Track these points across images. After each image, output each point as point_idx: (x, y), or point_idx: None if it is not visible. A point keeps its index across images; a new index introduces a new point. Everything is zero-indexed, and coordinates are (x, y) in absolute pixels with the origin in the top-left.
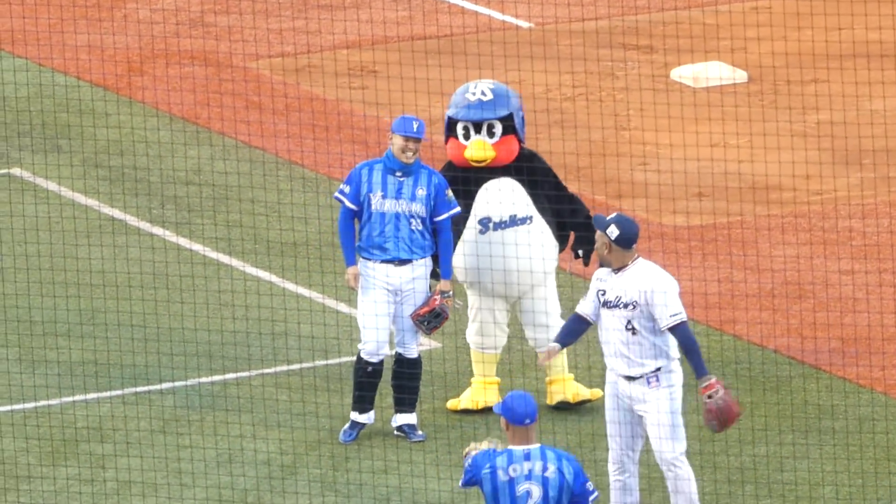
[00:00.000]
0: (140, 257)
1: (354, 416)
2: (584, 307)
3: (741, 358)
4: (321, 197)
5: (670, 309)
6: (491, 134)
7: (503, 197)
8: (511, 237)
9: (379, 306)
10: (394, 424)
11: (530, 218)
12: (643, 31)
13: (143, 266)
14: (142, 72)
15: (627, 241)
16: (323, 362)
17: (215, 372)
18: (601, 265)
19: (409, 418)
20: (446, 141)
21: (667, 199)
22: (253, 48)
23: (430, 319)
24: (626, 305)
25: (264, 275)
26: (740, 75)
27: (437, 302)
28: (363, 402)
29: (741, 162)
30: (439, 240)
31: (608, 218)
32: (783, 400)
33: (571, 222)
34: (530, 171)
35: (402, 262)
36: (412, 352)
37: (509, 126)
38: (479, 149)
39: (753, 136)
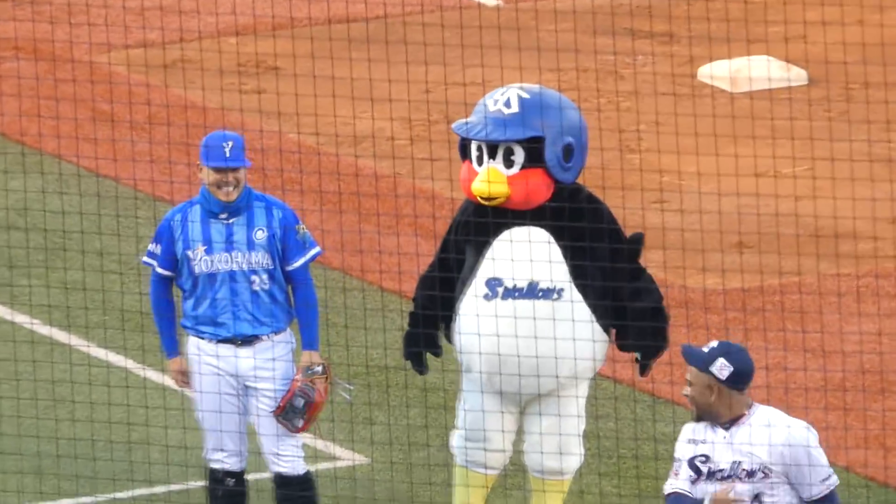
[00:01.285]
0: None
1: None
2: (679, 483)
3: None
4: None
5: (821, 471)
6: (508, 163)
7: (522, 253)
8: (527, 312)
9: (223, 400)
10: None
11: (559, 291)
12: (659, 10)
13: None
14: None
15: (744, 379)
16: (199, 483)
17: (46, 497)
18: (697, 418)
19: None
20: (462, 161)
21: (693, 252)
22: (103, 35)
23: (290, 411)
24: (750, 474)
25: (117, 358)
26: (797, 75)
27: (297, 385)
28: None
29: (799, 199)
30: (296, 296)
31: (708, 348)
32: None
33: (632, 307)
34: (574, 219)
35: (247, 340)
36: (294, 466)
37: (535, 153)
38: (484, 180)
39: (816, 161)
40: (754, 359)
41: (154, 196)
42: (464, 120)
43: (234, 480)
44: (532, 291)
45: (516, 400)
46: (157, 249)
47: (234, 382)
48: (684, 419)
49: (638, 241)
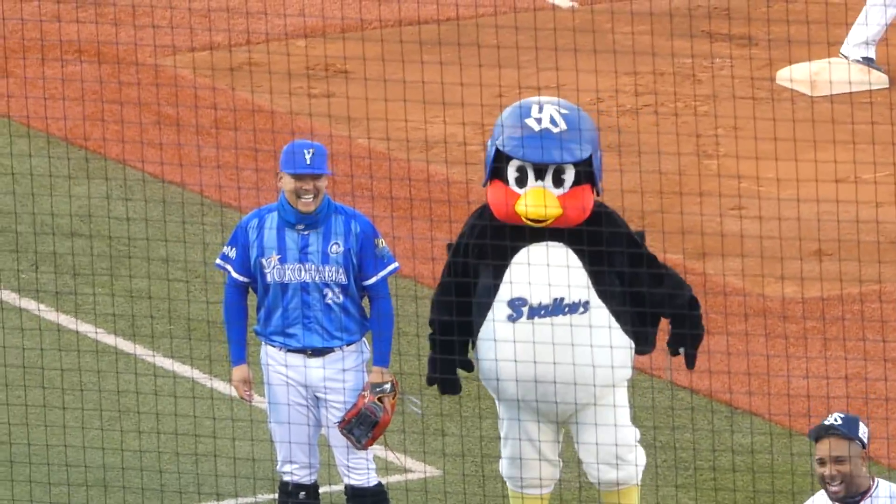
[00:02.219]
0: (2, 343)
1: None
2: None
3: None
4: None
5: None
6: (558, 182)
7: (546, 270)
8: (554, 330)
9: (293, 411)
10: None
11: (584, 304)
12: (737, 12)
13: (5, 356)
14: (5, 72)
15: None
16: (268, 496)
17: None
18: (843, 498)
19: None
20: (487, 181)
21: (772, 260)
22: (168, 37)
23: (356, 427)
24: None
25: (183, 368)
26: (878, 78)
27: (365, 401)
28: None
29: (880, 205)
30: (372, 309)
31: (841, 418)
32: None
33: (668, 311)
34: (593, 236)
35: (317, 352)
36: (366, 478)
37: (585, 172)
38: (538, 203)
39: None
40: (833, 368)
41: (221, 202)
42: (511, 138)
43: (304, 493)
44: (558, 308)
45: (554, 416)
46: (232, 253)
47: (303, 392)
48: (762, 430)
49: (642, 236)
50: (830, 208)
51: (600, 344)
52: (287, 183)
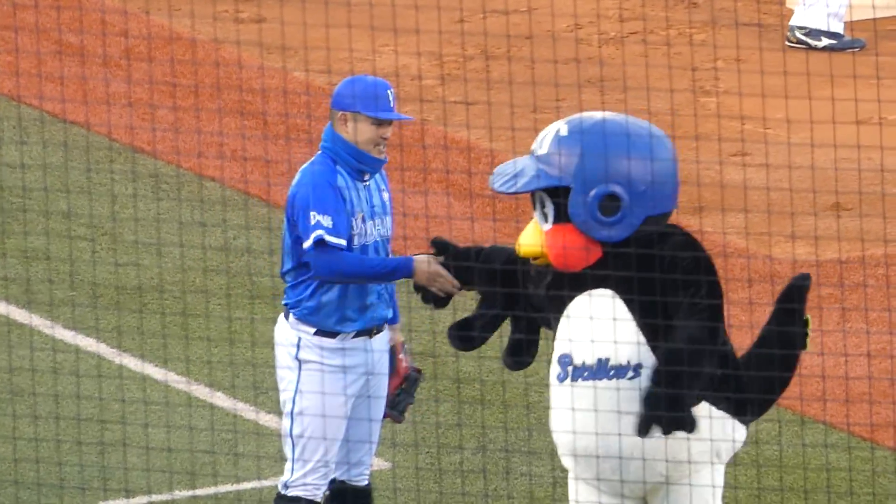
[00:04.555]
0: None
1: None
2: None
3: None
4: (186, 209)
5: None
6: (543, 216)
7: (588, 325)
8: (602, 396)
9: (337, 409)
10: None
11: (636, 367)
12: None
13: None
14: None
15: None
16: (186, 493)
17: None
18: None
19: None
20: None
21: (781, 215)
22: None
23: (405, 395)
24: None
25: (87, 342)
26: None
27: (404, 364)
28: None
29: None
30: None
31: None
32: None
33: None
34: (647, 276)
35: (379, 328)
36: (364, 477)
37: (564, 206)
38: (523, 235)
39: None
40: (854, 343)
41: (133, 146)
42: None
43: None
44: (603, 370)
45: (618, 491)
46: (329, 222)
47: (361, 383)
48: (769, 416)
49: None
50: (850, 155)
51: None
52: (364, 127)
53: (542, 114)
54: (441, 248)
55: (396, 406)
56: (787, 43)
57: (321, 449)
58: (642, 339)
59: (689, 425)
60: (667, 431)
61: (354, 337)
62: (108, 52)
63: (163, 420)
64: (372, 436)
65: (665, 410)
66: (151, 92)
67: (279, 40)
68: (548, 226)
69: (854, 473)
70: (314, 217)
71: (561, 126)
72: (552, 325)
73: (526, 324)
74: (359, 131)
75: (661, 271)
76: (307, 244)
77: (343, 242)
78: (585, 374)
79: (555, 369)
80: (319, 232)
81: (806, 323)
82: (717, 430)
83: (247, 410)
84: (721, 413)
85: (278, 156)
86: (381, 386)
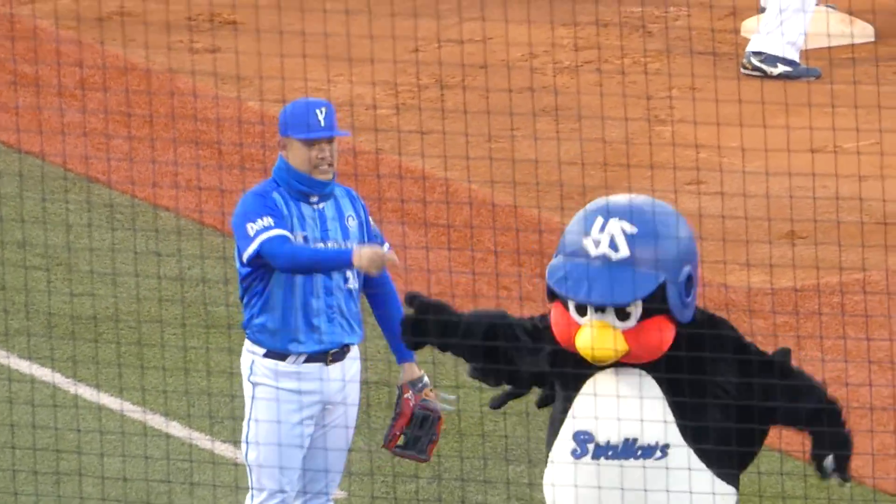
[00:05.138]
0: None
1: None
2: None
3: None
4: (141, 238)
5: None
6: (623, 315)
7: (617, 404)
8: (624, 474)
9: (294, 437)
10: None
11: (663, 448)
12: None
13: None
14: None
15: None
16: None
17: None
18: None
19: None
20: (550, 301)
21: (736, 244)
22: None
23: (418, 434)
24: None
25: (42, 372)
26: (862, 30)
27: (412, 403)
28: None
29: (864, 179)
30: (382, 299)
31: None
32: None
33: (807, 415)
34: (695, 362)
35: (337, 355)
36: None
37: (657, 299)
38: (598, 339)
39: (885, 134)
40: (808, 371)
41: (88, 176)
42: (558, 266)
43: None
44: (630, 450)
45: None
46: (268, 221)
47: (315, 410)
48: None
49: (784, 354)
50: (805, 183)
51: (682, 490)
52: (297, 151)
53: (497, 143)
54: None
55: (406, 446)
56: (742, 70)
57: (276, 476)
58: (670, 417)
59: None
60: (845, 476)
61: (307, 361)
62: (63, 82)
63: (118, 449)
64: (331, 466)
65: (846, 450)
66: (106, 122)
67: (234, 70)
68: (631, 323)
69: (809, 502)
70: (251, 228)
71: (621, 224)
72: (560, 398)
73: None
74: (294, 155)
75: (714, 359)
76: (252, 248)
77: (277, 233)
78: (609, 452)
79: (567, 445)
80: (263, 236)
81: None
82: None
83: (202, 439)
84: (731, 490)
85: (233, 185)
86: (345, 416)
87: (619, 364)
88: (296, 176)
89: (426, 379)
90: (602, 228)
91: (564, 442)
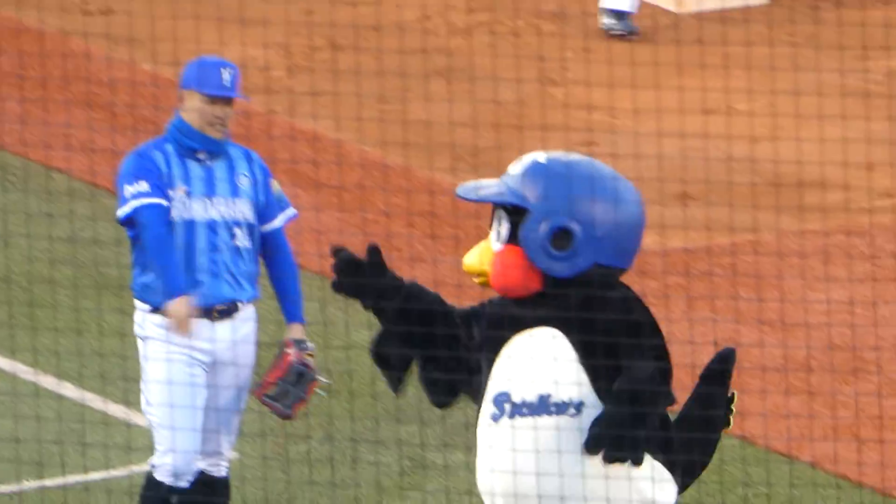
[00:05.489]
0: None
1: None
2: None
3: (756, 477)
4: (34, 200)
5: None
6: (497, 235)
7: (531, 361)
8: (538, 434)
9: (191, 392)
10: None
11: (577, 405)
12: None
13: None
14: None
15: None
16: (35, 484)
17: None
18: None
19: None
20: None
21: None
22: None
23: (289, 388)
24: None
25: None
26: None
27: (291, 358)
28: None
29: (756, 141)
30: (275, 261)
31: None
32: None
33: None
34: (589, 320)
35: (226, 307)
36: (222, 467)
37: (516, 228)
38: (471, 253)
39: (778, 95)
40: (700, 332)
41: None
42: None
43: (177, 498)
44: (544, 406)
45: None
46: (144, 186)
47: (206, 362)
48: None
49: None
50: (698, 144)
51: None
52: (195, 105)
53: (389, 104)
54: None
55: (279, 399)
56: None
57: (171, 432)
58: (584, 378)
59: (637, 457)
60: (610, 457)
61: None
62: None
63: (10, 410)
64: (223, 427)
65: (618, 434)
66: None
67: (127, 32)
68: (498, 245)
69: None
70: (127, 190)
71: (541, 154)
72: (484, 367)
73: (445, 364)
74: (192, 108)
75: (607, 313)
76: (124, 211)
77: (151, 200)
78: (524, 410)
79: (488, 409)
80: (136, 202)
81: (730, 401)
82: (657, 474)
83: (95, 400)
84: (660, 466)
85: (126, 147)
86: (236, 376)
87: (536, 324)
88: (187, 131)
89: (311, 345)
90: (527, 156)
91: (486, 406)
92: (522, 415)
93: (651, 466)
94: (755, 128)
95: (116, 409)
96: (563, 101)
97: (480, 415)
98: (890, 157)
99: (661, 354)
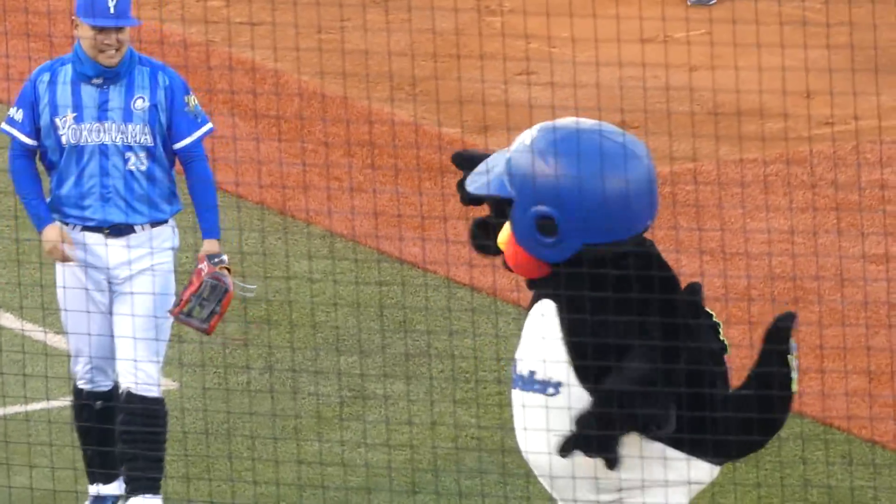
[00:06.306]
0: None
1: (93, 489)
2: None
3: None
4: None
5: None
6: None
7: (527, 334)
8: (529, 409)
9: (89, 301)
10: None
11: (556, 385)
12: None
13: None
14: None
15: None
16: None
17: None
18: None
19: None
20: None
21: None
22: None
23: (202, 302)
24: None
25: None
26: None
27: (203, 273)
28: (100, 463)
29: (694, 70)
30: (190, 175)
31: None
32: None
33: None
34: (576, 289)
35: (117, 230)
36: (148, 387)
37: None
38: (503, 230)
39: (715, 24)
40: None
41: None
42: None
43: (101, 402)
44: (529, 383)
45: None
46: (19, 115)
47: (101, 278)
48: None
49: (694, 291)
50: (636, 73)
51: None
52: (85, 33)
53: (327, 34)
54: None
55: (191, 314)
56: None
57: (73, 340)
58: (565, 356)
59: (611, 460)
60: (589, 454)
61: (85, 230)
62: None
63: None
64: (115, 349)
65: (593, 434)
66: None
67: None
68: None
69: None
70: (10, 111)
71: (530, 133)
72: None
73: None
74: (83, 36)
75: (610, 291)
76: None
77: (15, 133)
78: (520, 383)
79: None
80: (6, 126)
81: (789, 367)
82: (671, 473)
83: (35, 331)
84: (677, 454)
85: None
86: (131, 285)
87: (545, 296)
88: (81, 56)
89: (225, 257)
90: (522, 134)
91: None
92: (517, 387)
93: (664, 466)
94: (693, 56)
95: (57, 340)
96: (500, 31)
97: None
98: (828, 86)
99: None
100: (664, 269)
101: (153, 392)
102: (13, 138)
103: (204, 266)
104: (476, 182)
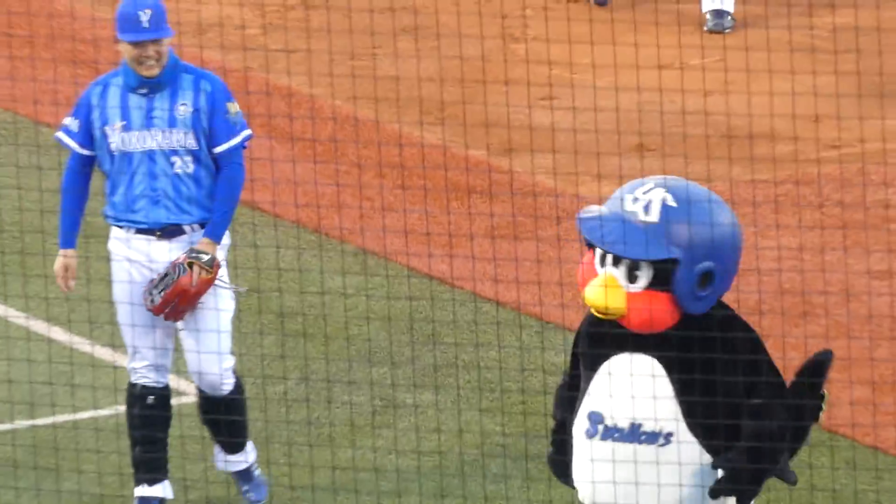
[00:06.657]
0: None
1: (140, 490)
2: None
3: None
4: (24, 153)
5: None
6: (632, 277)
7: (626, 387)
8: (625, 457)
9: (124, 297)
10: (218, 466)
11: (667, 436)
12: None
13: None
14: None
15: None
16: (26, 422)
17: None
18: None
19: (239, 461)
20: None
21: (587, 155)
22: None
23: (157, 285)
24: None
25: None
26: None
27: (179, 260)
28: (150, 464)
29: (709, 94)
30: (220, 175)
31: None
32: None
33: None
34: (687, 350)
35: (167, 230)
36: (224, 384)
37: (665, 274)
38: (600, 293)
39: (729, 51)
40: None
41: None
42: (594, 210)
43: (153, 398)
44: (634, 434)
45: None
46: (75, 125)
47: (149, 277)
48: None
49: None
50: (653, 98)
51: (677, 480)
52: (125, 48)
53: (359, 60)
54: None
55: (150, 291)
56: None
57: (130, 335)
58: (678, 413)
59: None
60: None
61: (139, 233)
62: None
63: (3, 353)
64: (186, 339)
65: (745, 484)
66: None
67: None
68: (636, 287)
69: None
70: (65, 120)
71: (665, 193)
72: (583, 381)
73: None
74: (124, 51)
75: (716, 352)
76: (56, 134)
77: (68, 141)
78: (616, 434)
79: (582, 423)
80: (62, 135)
81: (822, 398)
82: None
83: (82, 344)
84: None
85: None
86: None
87: (635, 350)
88: (126, 70)
89: (208, 257)
90: (646, 192)
91: (581, 420)
92: (614, 439)
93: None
94: (707, 82)
95: (103, 352)
96: (524, 57)
97: (575, 425)
98: (836, 110)
99: (775, 371)
100: (748, 331)
101: (224, 389)
102: (70, 149)
103: (180, 257)
104: (629, 248)
